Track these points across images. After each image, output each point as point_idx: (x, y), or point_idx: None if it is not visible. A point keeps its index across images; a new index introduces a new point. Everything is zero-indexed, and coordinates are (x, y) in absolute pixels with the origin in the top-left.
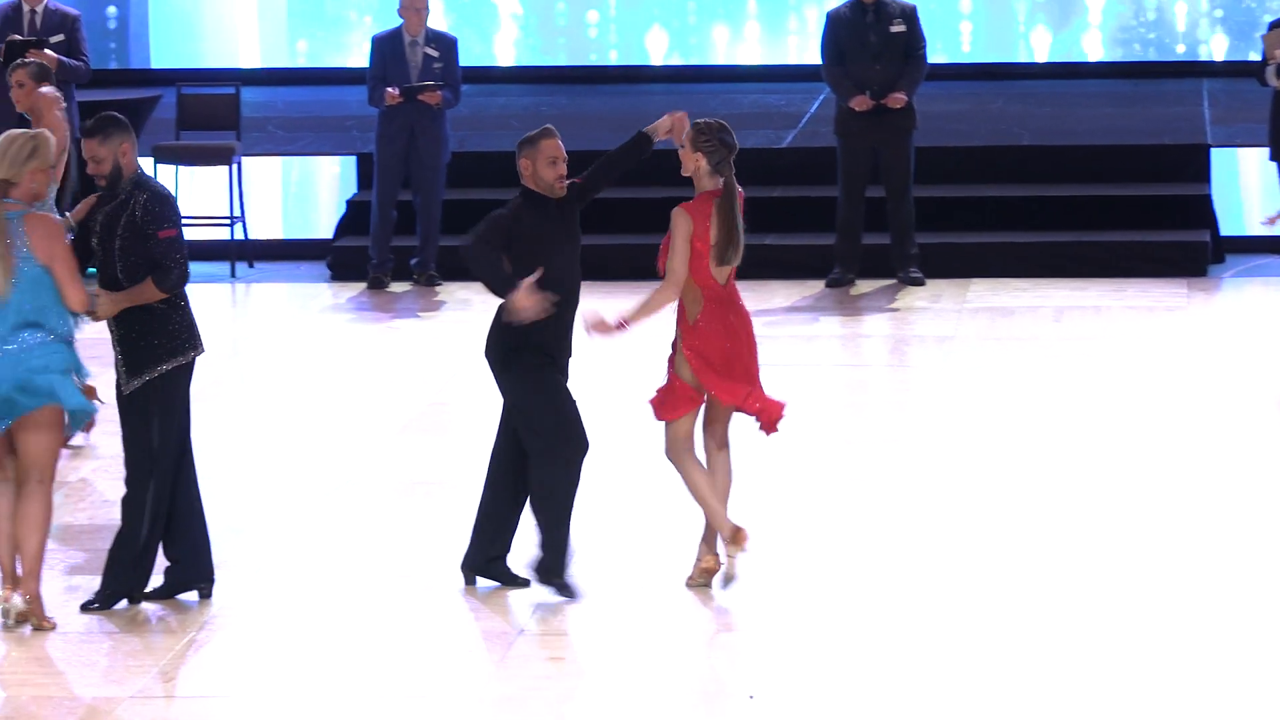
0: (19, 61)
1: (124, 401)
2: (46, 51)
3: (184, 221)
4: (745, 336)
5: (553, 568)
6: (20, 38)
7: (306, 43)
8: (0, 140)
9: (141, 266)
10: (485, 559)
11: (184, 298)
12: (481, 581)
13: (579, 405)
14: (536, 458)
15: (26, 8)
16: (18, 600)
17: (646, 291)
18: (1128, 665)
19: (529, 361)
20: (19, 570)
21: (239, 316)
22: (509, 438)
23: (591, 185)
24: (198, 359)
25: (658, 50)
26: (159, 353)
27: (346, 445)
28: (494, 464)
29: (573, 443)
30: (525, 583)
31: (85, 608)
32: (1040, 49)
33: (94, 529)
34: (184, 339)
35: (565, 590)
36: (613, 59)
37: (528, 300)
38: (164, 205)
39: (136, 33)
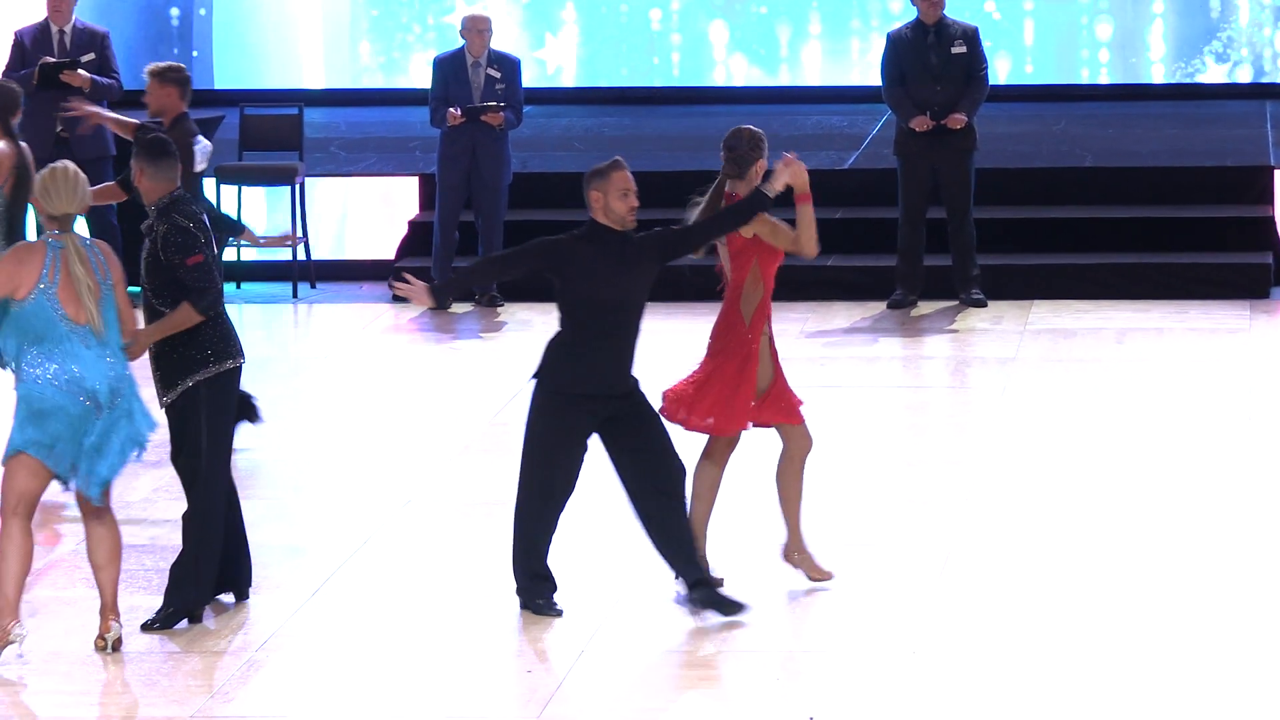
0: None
1: (167, 415)
2: (80, 72)
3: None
4: None
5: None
6: (53, 60)
7: (371, 63)
8: (58, 174)
9: (170, 290)
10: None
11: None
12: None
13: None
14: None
15: (54, 28)
16: (116, 628)
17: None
18: (1195, 694)
19: (549, 388)
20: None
21: (301, 337)
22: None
23: (685, 242)
24: (240, 368)
25: (721, 71)
26: (191, 364)
27: (408, 465)
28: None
29: (539, 485)
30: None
31: (145, 627)
32: (1104, 70)
33: (155, 548)
34: (217, 350)
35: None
36: (675, 79)
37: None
38: (182, 235)
39: (200, 54)
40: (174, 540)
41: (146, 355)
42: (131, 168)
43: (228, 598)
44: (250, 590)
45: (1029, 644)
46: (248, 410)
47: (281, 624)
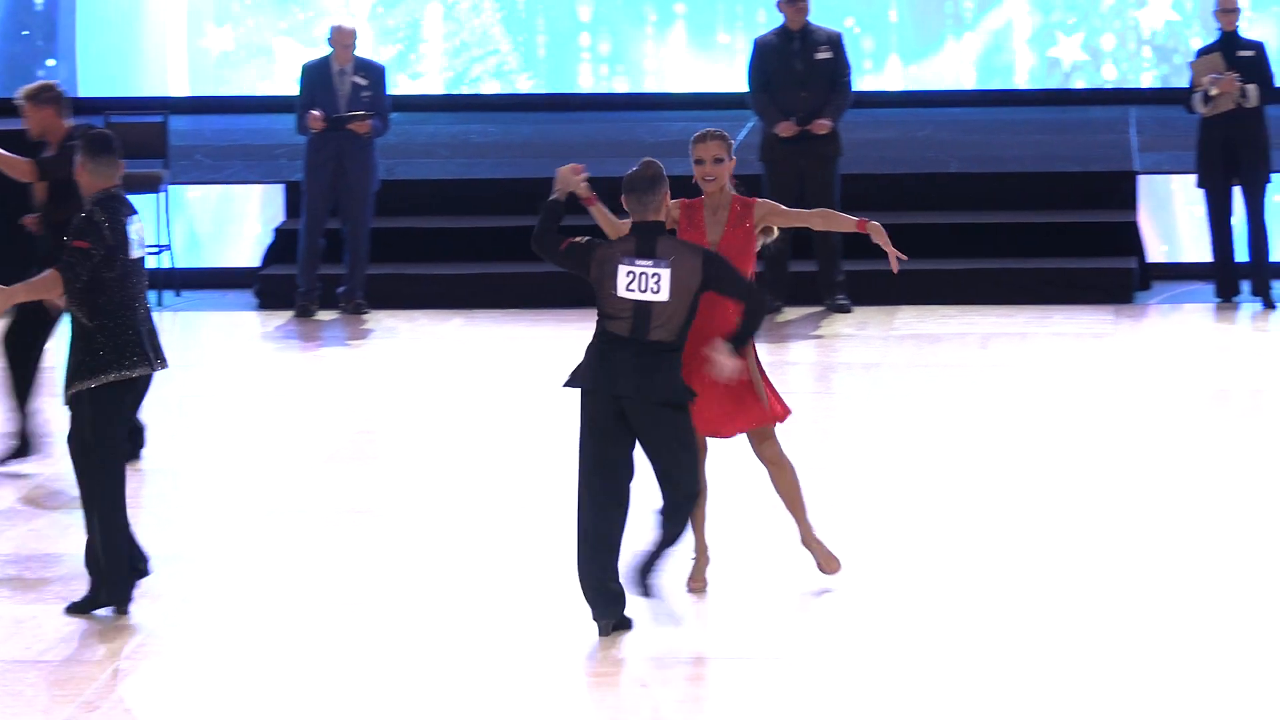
0: None
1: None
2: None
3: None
4: None
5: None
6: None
7: (234, 71)
8: None
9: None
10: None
11: (114, 319)
12: (422, 611)
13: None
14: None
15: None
16: None
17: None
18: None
19: (583, 389)
20: None
21: (166, 345)
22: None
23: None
24: (135, 380)
25: (586, 78)
26: (82, 369)
27: (274, 474)
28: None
29: (584, 485)
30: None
31: (69, 610)
32: (968, 76)
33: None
34: (110, 359)
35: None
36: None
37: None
38: (87, 224)
39: (64, 61)
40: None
41: None
42: (74, 162)
43: (104, 611)
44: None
45: (897, 646)
46: (132, 440)
47: (150, 632)
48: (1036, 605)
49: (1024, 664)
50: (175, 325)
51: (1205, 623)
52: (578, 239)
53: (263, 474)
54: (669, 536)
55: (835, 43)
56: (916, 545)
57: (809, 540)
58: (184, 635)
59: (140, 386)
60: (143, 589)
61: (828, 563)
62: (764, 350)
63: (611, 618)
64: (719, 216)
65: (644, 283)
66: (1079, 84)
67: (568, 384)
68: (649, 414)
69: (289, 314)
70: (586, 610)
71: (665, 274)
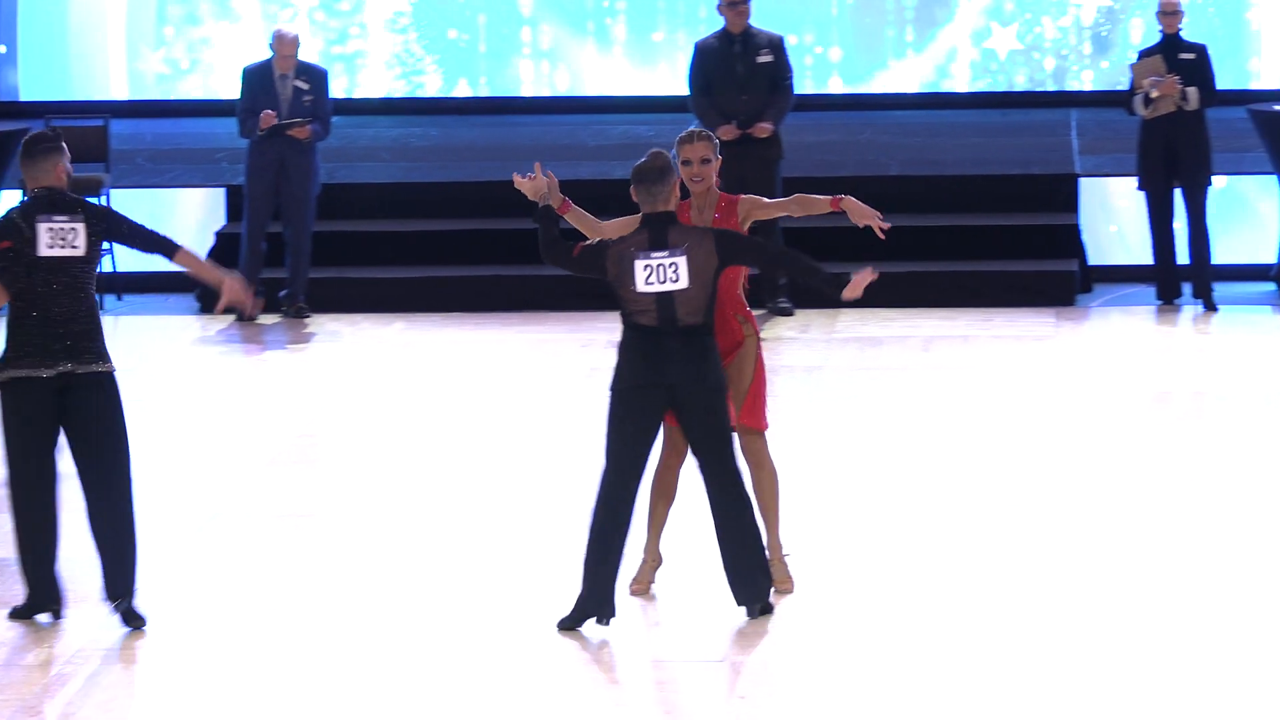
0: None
1: None
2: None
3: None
4: None
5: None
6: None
7: (176, 75)
8: None
9: None
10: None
11: (20, 317)
12: (365, 615)
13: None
14: None
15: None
16: None
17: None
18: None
19: (613, 385)
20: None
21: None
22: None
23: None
24: (40, 380)
25: (527, 81)
26: None
27: (215, 477)
28: None
29: (606, 472)
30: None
31: (10, 615)
32: (909, 79)
33: None
34: (9, 356)
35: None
36: (483, 89)
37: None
38: (4, 222)
39: (3, 65)
40: None
41: None
42: None
43: (44, 617)
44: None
45: (839, 656)
46: None
47: (91, 637)
48: (985, 608)
49: (978, 665)
50: (117, 329)
51: (1147, 621)
52: (588, 242)
53: (204, 478)
54: (750, 524)
55: (776, 46)
56: (861, 548)
57: (773, 554)
58: (124, 641)
59: (42, 388)
60: (84, 594)
61: (781, 582)
62: None
63: (606, 615)
64: (705, 215)
65: (662, 274)
66: (1019, 79)
67: (615, 386)
68: (703, 400)
69: (231, 317)
70: (539, 607)
71: (681, 262)
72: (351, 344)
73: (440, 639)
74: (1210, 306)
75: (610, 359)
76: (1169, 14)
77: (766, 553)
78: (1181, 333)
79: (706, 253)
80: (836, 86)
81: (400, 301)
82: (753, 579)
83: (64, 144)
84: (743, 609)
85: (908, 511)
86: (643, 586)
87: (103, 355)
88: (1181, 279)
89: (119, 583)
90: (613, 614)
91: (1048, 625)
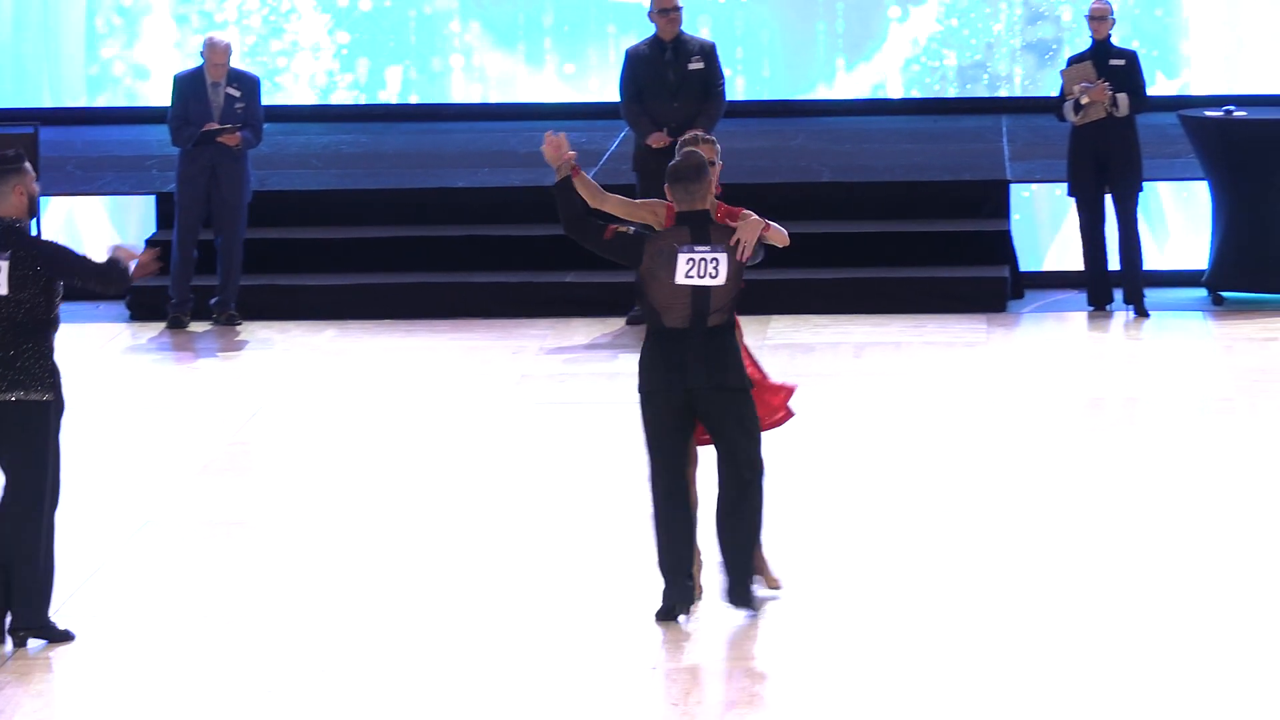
0: None
1: None
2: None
3: None
4: None
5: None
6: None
7: (106, 82)
8: None
9: None
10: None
11: None
12: (297, 622)
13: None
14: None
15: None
16: None
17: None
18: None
19: (640, 388)
20: None
21: None
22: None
23: None
24: None
25: (460, 88)
26: None
27: (147, 485)
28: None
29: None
30: None
31: None
32: (842, 86)
33: None
34: None
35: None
36: (413, 99)
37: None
38: None
39: None
40: None
41: None
42: None
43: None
44: None
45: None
46: None
47: (20, 648)
48: (919, 611)
49: (921, 664)
50: None
51: (1077, 621)
52: (624, 229)
53: (136, 485)
54: (754, 525)
55: (708, 53)
56: (792, 553)
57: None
58: (54, 650)
59: None
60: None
61: (772, 581)
62: (635, 360)
63: (685, 604)
64: None
65: (704, 268)
66: (950, 87)
67: (642, 389)
68: (718, 400)
69: (161, 325)
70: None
71: (723, 258)
72: (283, 351)
73: (369, 644)
74: (1141, 312)
75: (543, 367)
76: (1098, 19)
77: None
78: (1113, 339)
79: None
80: (769, 93)
81: (332, 308)
82: (744, 581)
83: (26, 164)
84: (736, 609)
85: (840, 517)
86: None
87: (17, 384)
88: (1113, 285)
89: (23, 615)
90: (693, 601)
91: (982, 627)
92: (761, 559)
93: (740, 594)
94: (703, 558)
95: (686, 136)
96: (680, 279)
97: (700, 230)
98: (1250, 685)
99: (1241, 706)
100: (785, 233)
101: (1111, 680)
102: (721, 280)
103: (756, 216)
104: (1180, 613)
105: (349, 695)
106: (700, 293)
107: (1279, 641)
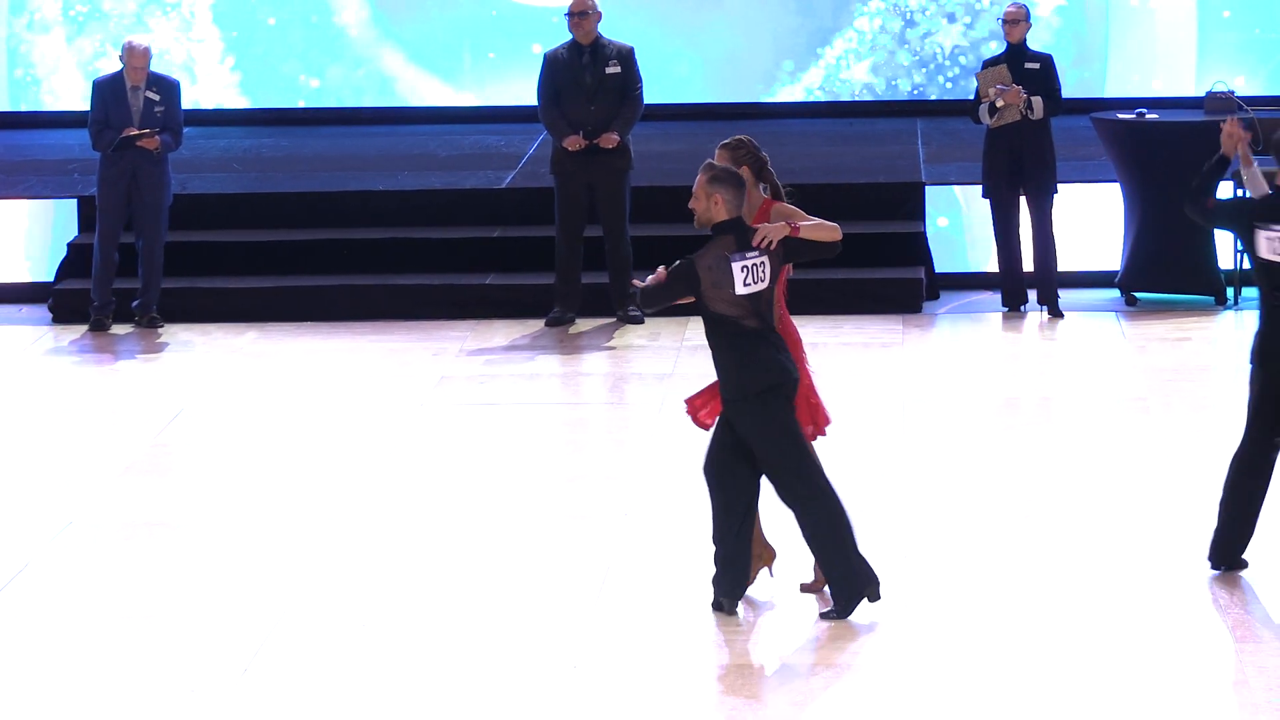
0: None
1: None
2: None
3: None
4: None
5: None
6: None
7: (27, 86)
8: None
9: None
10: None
11: None
12: (218, 622)
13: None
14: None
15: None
16: None
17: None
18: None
19: (775, 384)
20: None
21: None
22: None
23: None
24: None
25: (381, 92)
26: None
27: (70, 487)
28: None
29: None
30: None
31: None
32: (759, 89)
33: None
34: None
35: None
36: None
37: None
38: None
39: None
40: None
41: None
42: None
43: None
44: None
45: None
46: None
47: None
48: (816, 612)
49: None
50: None
51: (984, 620)
52: (673, 267)
53: (58, 486)
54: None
55: (625, 57)
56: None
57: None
58: None
59: None
60: None
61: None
62: (556, 361)
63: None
64: (748, 220)
65: (755, 274)
66: (864, 90)
67: (756, 390)
68: (794, 396)
69: (83, 328)
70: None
71: (766, 261)
72: (204, 353)
73: (290, 644)
74: (1055, 313)
75: (463, 369)
76: (1013, 23)
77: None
78: (1027, 339)
79: (777, 251)
80: (686, 97)
81: (253, 311)
82: (846, 576)
83: None
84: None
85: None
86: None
87: None
88: (1027, 286)
89: None
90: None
91: (892, 626)
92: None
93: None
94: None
95: (725, 142)
96: (740, 289)
97: (743, 236)
98: (1148, 679)
99: (1136, 703)
100: (828, 227)
101: (1023, 678)
102: (767, 282)
103: (811, 220)
104: (1092, 608)
105: (270, 695)
106: (755, 299)
107: (1186, 637)
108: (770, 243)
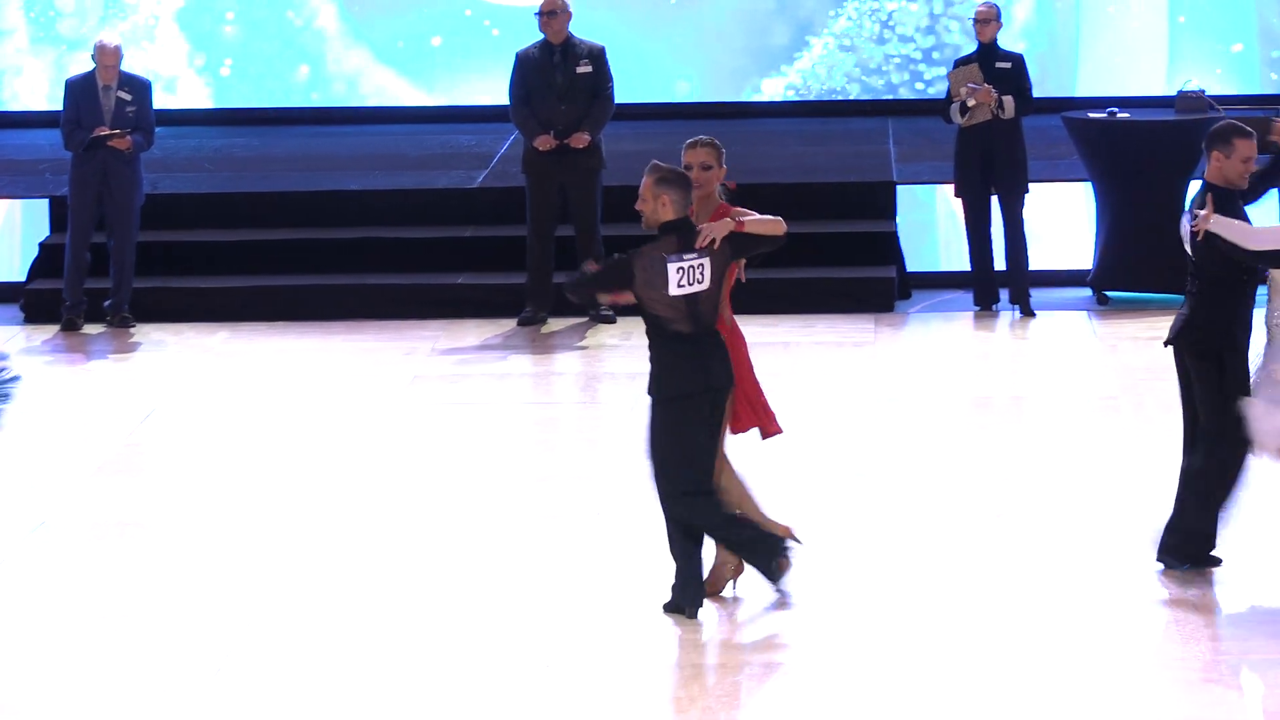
0: None
1: None
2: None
3: None
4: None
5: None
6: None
7: None
8: None
9: None
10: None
11: None
12: (192, 623)
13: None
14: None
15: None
16: None
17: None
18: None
19: (662, 393)
20: None
21: None
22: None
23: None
24: None
25: (351, 91)
26: None
27: (42, 487)
28: None
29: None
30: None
31: None
32: (732, 90)
33: None
34: None
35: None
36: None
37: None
38: None
39: None
40: None
41: None
42: None
43: None
44: None
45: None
46: None
47: None
48: (799, 612)
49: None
50: None
51: (964, 618)
52: (611, 259)
53: (31, 486)
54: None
55: (597, 56)
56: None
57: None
58: None
59: None
60: None
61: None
62: (528, 360)
63: (698, 604)
64: (703, 221)
65: (691, 276)
66: (835, 88)
67: (667, 395)
68: (723, 403)
69: (55, 328)
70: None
71: (706, 263)
72: (176, 353)
73: (262, 643)
74: (1027, 312)
75: (435, 368)
76: (984, 22)
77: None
78: (999, 338)
79: (722, 251)
80: (658, 96)
81: (225, 311)
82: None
83: None
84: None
85: None
86: (718, 587)
87: None
88: (999, 285)
89: None
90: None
91: (864, 627)
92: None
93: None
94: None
95: (689, 140)
96: (674, 290)
97: (687, 237)
98: (1121, 678)
99: (1115, 702)
100: (772, 220)
101: (990, 675)
102: (706, 284)
103: (755, 216)
104: (1062, 607)
105: (243, 693)
106: (692, 300)
107: (1160, 636)
108: (714, 241)
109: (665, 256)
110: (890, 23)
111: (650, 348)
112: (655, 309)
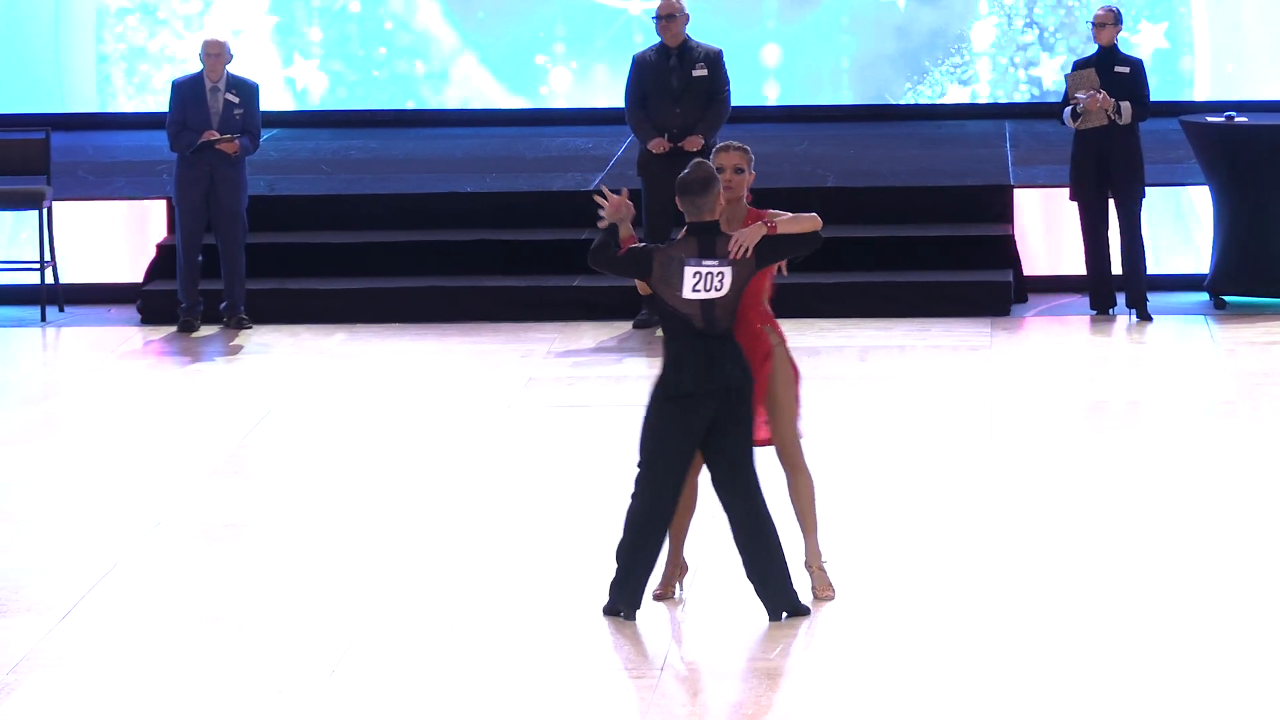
0: None
1: None
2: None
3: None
4: None
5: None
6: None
7: (117, 86)
8: None
9: None
10: None
11: None
12: (302, 626)
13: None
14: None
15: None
16: None
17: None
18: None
19: (666, 392)
20: None
21: (49, 361)
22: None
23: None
24: None
25: (468, 94)
26: None
27: (157, 488)
28: None
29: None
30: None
31: None
32: (847, 92)
33: None
34: None
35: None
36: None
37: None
38: None
39: None
40: None
41: None
42: None
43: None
44: None
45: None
46: None
47: (33, 646)
48: (924, 617)
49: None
50: (59, 341)
51: (1084, 632)
52: (637, 245)
53: (145, 488)
54: (773, 531)
55: (713, 60)
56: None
57: (812, 560)
58: (66, 650)
59: None
60: (26, 603)
61: (823, 589)
62: (644, 363)
63: (634, 609)
64: (733, 226)
65: (709, 282)
66: (952, 92)
67: (674, 394)
68: (745, 402)
69: (171, 329)
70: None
71: (728, 271)
72: (292, 355)
73: (374, 647)
74: (1144, 316)
75: (550, 371)
76: (1100, 26)
77: (805, 557)
78: (1116, 343)
79: (746, 261)
80: (773, 98)
81: (341, 312)
82: (783, 586)
83: None
84: (773, 615)
85: (845, 521)
86: (669, 591)
87: None
88: (1116, 289)
89: None
90: (638, 607)
91: (987, 632)
92: (819, 565)
93: (785, 602)
94: (686, 565)
95: (720, 144)
96: (688, 293)
97: (709, 243)
98: (1253, 689)
99: (1244, 709)
100: (807, 217)
101: (1116, 684)
102: (725, 291)
103: (788, 215)
104: (1184, 617)
105: (353, 697)
106: (707, 304)
107: (1266, 646)
108: (746, 250)
109: (684, 260)
110: (1023, 27)
111: (664, 343)
112: (675, 305)
